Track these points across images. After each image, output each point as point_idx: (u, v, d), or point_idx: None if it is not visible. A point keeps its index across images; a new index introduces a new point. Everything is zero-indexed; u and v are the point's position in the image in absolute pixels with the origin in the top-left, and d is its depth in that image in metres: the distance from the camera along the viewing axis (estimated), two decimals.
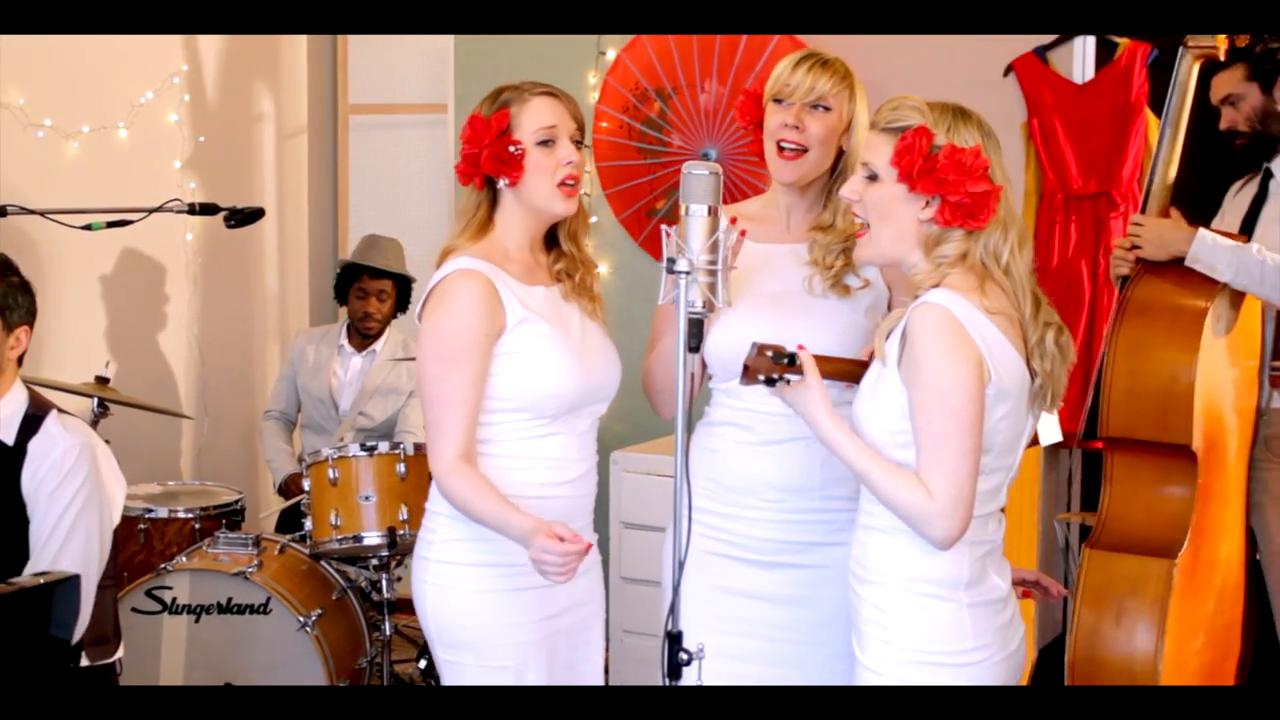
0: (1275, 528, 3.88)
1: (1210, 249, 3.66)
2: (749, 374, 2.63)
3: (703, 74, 5.24)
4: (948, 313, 2.51)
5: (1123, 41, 4.77)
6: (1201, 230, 3.70)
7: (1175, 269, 3.71)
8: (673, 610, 2.54)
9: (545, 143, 2.88)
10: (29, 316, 3.29)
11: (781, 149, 2.99)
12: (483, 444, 2.87)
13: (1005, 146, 2.69)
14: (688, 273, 2.51)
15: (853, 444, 2.59)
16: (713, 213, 2.54)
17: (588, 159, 5.32)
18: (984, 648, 2.61)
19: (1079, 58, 4.89)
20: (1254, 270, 3.63)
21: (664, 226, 2.59)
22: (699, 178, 2.55)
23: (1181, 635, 3.58)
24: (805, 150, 2.98)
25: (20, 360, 3.33)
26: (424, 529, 2.97)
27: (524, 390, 2.86)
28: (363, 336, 5.32)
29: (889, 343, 2.62)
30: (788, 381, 2.61)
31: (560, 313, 2.94)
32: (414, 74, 6.11)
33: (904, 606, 2.61)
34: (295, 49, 6.10)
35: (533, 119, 2.88)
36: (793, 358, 2.61)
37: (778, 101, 3.01)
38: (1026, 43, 4.89)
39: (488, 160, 2.87)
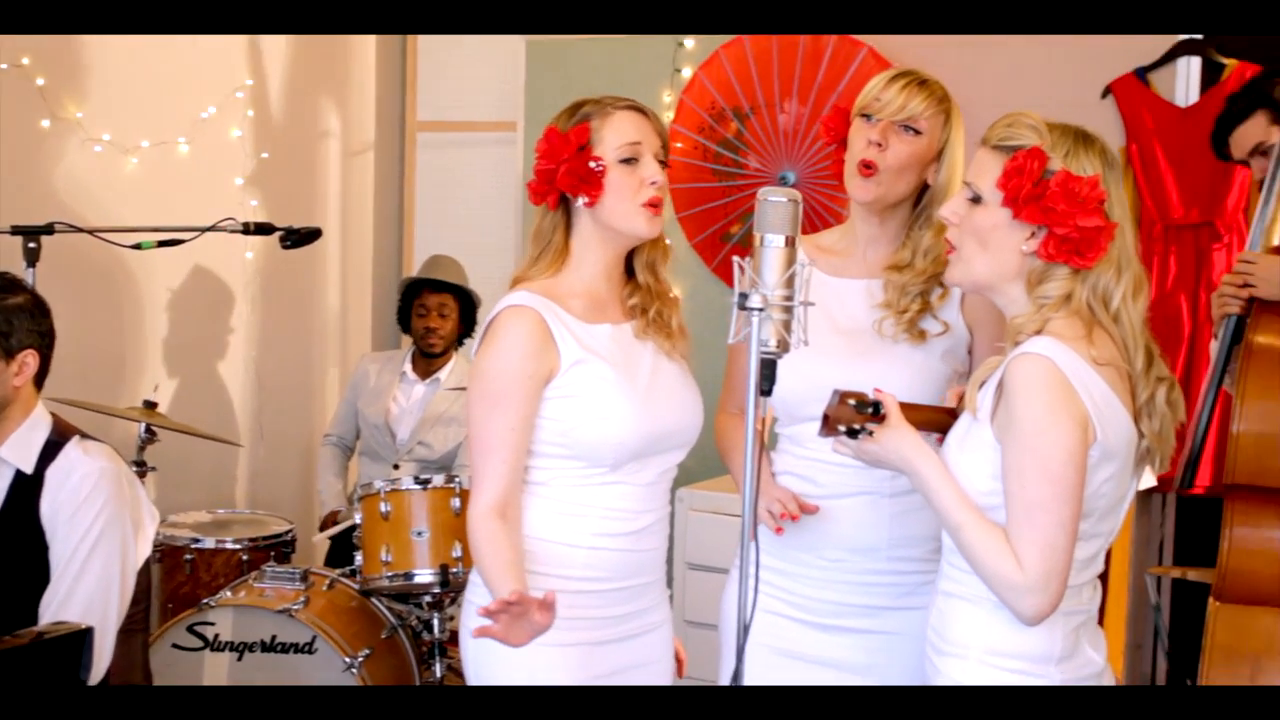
0: None
1: None
2: (829, 424, 2.40)
3: (783, 93, 5.01)
4: (1052, 365, 2.27)
5: (1230, 62, 4.51)
6: None
7: None
8: (736, 678, 2.33)
9: (628, 160, 2.66)
10: (37, 339, 3.09)
11: (860, 167, 2.77)
12: (537, 486, 2.67)
13: None
14: (761, 309, 2.28)
15: (953, 492, 2.34)
16: (790, 244, 2.30)
17: None
18: None
19: (1182, 79, 4.62)
20: None
21: (735, 258, 2.36)
22: (776, 205, 2.31)
23: None
24: (881, 172, 2.75)
25: (40, 383, 3.15)
26: (473, 573, 2.75)
27: (578, 438, 2.64)
28: (427, 358, 5.15)
29: (982, 394, 2.37)
30: (870, 433, 2.37)
31: (629, 353, 2.71)
32: (483, 92, 5.93)
33: (988, 683, 2.36)
34: (363, 64, 5.96)
35: (615, 134, 2.66)
36: (877, 406, 2.38)
37: (865, 117, 2.79)
38: (1125, 63, 4.63)
39: (565, 177, 2.65)
